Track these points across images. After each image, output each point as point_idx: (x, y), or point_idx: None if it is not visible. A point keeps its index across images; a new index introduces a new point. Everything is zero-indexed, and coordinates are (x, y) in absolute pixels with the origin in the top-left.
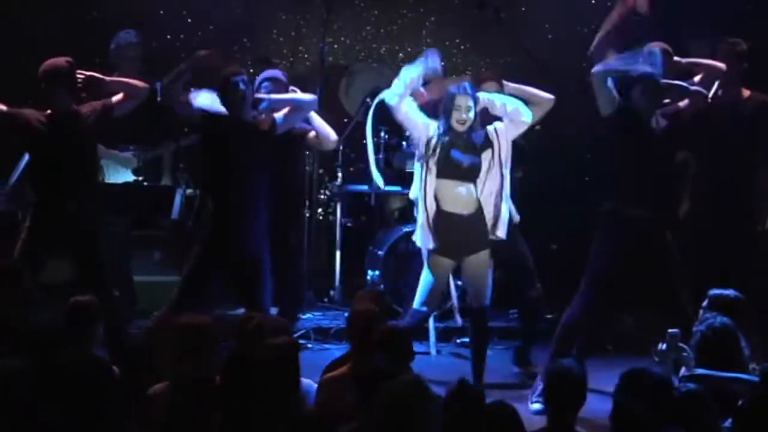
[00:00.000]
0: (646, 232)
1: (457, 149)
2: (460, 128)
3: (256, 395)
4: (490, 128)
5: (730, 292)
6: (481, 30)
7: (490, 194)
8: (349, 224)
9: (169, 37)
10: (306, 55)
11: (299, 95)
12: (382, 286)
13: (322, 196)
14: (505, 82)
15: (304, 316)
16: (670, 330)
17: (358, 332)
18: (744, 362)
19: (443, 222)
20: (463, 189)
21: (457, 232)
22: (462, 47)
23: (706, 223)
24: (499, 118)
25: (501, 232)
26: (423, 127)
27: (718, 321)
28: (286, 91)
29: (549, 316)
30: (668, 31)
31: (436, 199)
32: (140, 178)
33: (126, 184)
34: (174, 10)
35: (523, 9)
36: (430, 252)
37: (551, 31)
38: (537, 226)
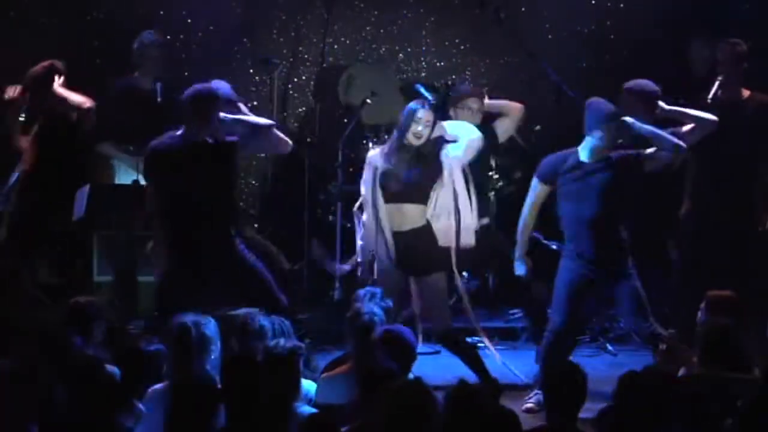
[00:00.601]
0: (596, 272)
1: (401, 167)
2: (415, 142)
3: (257, 396)
4: (442, 153)
5: (727, 293)
6: (481, 30)
7: (449, 213)
8: (349, 225)
9: (169, 37)
10: (306, 56)
11: (256, 119)
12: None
13: (322, 197)
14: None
15: (303, 317)
16: (669, 330)
17: (359, 332)
18: (747, 362)
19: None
20: (408, 208)
21: (406, 250)
22: (462, 47)
23: (706, 223)
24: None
25: (467, 240)
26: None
27: (719, 322)
28: (237, 109)
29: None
30: (668, 31)
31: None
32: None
33: (127, 185)
34: (174, 10)
35: (523, 9)
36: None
37: (551, 31)
38: (537, 227)
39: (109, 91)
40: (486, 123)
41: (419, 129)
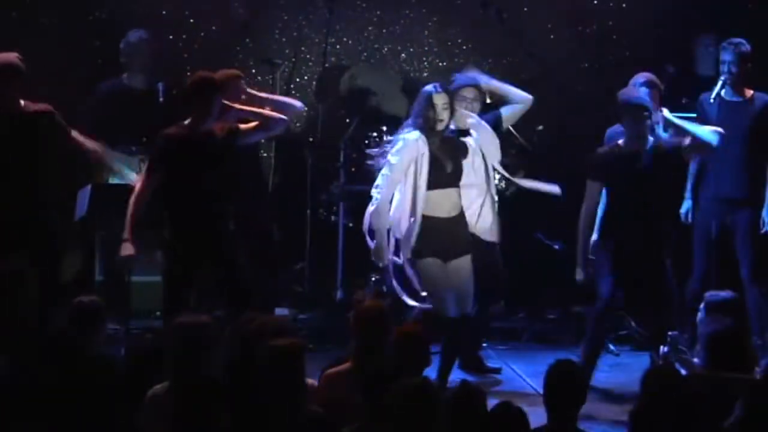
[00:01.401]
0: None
1: (439, 153)
2: (439, 126)
3: (263, 396)
4: (469, 138)
5: (726, 293)
6: (483, 30)
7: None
8: (351, 224)
9: (171, 37)
10: (308, 56)
11: (270, 113)
12: (384, 288)
13: (324, 197)
14: (485, 80)
15: (304, 316)
16: (670, 333)
17: (364, 329)
18: (751, 361)
19: (426, 226)
20: (446, 194)
21: (439, 235)
22: (464, 47)
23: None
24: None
25: (483, 233)
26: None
27: (721, 322)
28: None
29: (552, 317)
30: (670, 31)
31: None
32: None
33: (127, 185)
34: (176, 10)
35: (526, 9)
36: (413, 256)
37: (553, 31)
38: (540, 227)
39: (95, 94)
40: (490, 108)
41: (439, 115)
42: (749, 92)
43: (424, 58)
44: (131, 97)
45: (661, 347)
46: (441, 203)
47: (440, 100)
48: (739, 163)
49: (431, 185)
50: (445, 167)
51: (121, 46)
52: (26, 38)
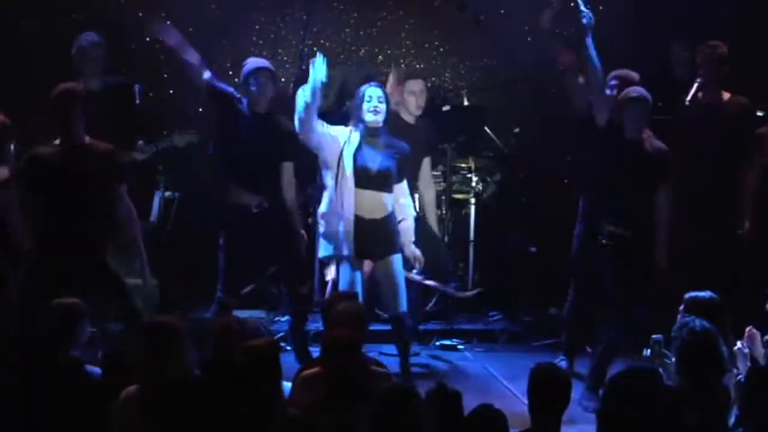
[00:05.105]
0: None
1: (369, 147)
2: (373, 117)
3: (239, 397)
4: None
5: (705, 294)
6: (460, 32)
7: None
8: None
9: (147, 39)
10: (285, 58)
11: None
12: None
13: (300, 199)
14: None
15: (282, 318)
16: (653, 336)
17: (338, 330)
18: (724, 364)
19: (358, 227)
20: (375, 196)
21: (368, 236)
22: (441, 49)
23: (684, 226)
24: None
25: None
26: (333, 140)
27: (697, 324)
28: None
29: (527, 319)
30: (647, 32)
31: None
32: None
33: None
34: (153, 11)
35: (502, 11)
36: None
37: (530, 33)
38: (516, 229)
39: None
40: None
41: (375, 104)
42: (726, 95)
43: (402, 60)
44: (90, 100)
45: (644, 350)
46: (367, 204)
47: (373, 92)
48: (714, 166)
49: (357, 182)
50: (371, 166)
51: (74, 51)
52: (5, 40)
